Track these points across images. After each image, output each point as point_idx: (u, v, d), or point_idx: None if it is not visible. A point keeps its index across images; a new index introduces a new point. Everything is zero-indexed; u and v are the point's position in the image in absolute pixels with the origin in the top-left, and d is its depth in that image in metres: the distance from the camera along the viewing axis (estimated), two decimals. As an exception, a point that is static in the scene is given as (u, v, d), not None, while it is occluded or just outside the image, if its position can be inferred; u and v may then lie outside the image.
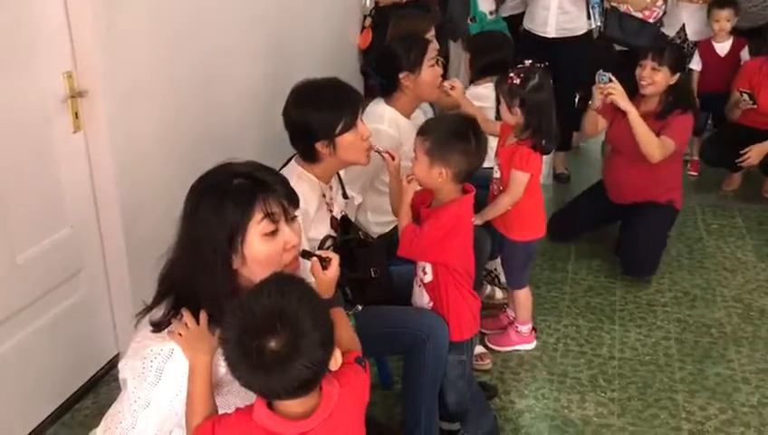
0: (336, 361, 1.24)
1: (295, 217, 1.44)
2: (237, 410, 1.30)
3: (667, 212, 3.37)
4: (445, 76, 2.84)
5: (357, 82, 4.25)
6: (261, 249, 1.36)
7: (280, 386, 1.17)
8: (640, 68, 3.12)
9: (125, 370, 1.39)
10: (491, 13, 4.35)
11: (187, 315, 1.34)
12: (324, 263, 1.50)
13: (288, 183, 1.45)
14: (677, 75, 3.12)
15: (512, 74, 2.44)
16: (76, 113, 2.27)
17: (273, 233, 1.37)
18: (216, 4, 2.83)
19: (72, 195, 2.33)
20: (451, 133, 2.01)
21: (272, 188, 1.38)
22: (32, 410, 2.30)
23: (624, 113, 3.07)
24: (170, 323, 1.35)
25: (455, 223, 2.01)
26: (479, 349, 2.67)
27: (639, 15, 4.29)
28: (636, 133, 3.03)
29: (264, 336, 1.14)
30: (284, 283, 1.23)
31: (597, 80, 3.03)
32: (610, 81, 2.99)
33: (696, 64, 4.35)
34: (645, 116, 3.07)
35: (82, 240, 2.40)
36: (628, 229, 3.40)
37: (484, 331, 2.74)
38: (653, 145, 3.03)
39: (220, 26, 2.88)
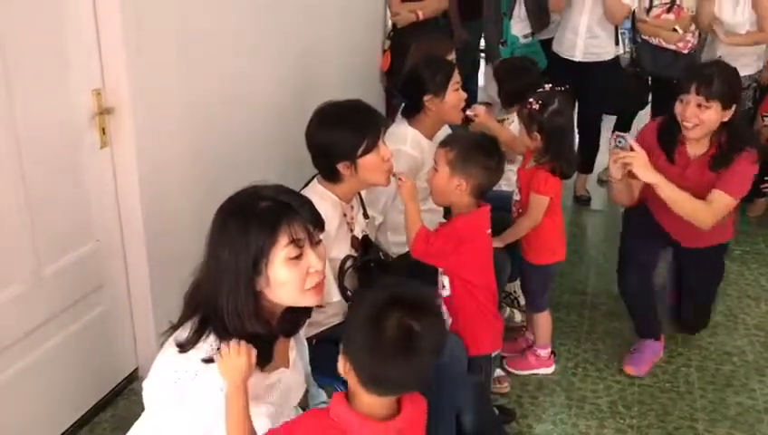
0: None
1: (320, 241, 1.45)
2: (304, 414, 1.33)
3: (721, 256, 2.90)
4: (473, 99, 2.84)
5: (379, 103, 4.28)
6: (285, 273, 1.38)
7: (413, 372, 1.18)
8: (681, 104, 2.42)
9: (149, 389, 1.40)
10: (525, 36, 4.37)
11: (234, 346, 1.34)
12: None
13: (314, 207, 1.46)
14: (732, 109, 2.40)
15: (531, 99, 2.45)
16: (103, 129, 2.31)
17: (298, 257, 1.39)
18: (242, 26, 2.87)
19: (98, 210, 2.37)
20: (475, 147, 2.06)
21: (297, 213, 1.39)
22: (51, 423, 2.31)
23: (657, 163, 2.45)
24: (196, 343, 1.36)
25: (467, 231, 2.04)
26: (497, 372, 2.66)
27: (673, 48, 4.26)
28: (673, 207, 2.38)
29: (410, 318, 1.17)
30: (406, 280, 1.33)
31: (613, 143, 2.40)
32: (631, 148, 2.35)
33: None
34: (695, 165, 2.46)
35: (107, 255, 2.43)
36: (689, 288, 2.92)
37: (502, 353, 2.72)
38: (700, 213, 2.38)
39: (246, 48, 2.92)
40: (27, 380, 2.17)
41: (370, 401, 1.23)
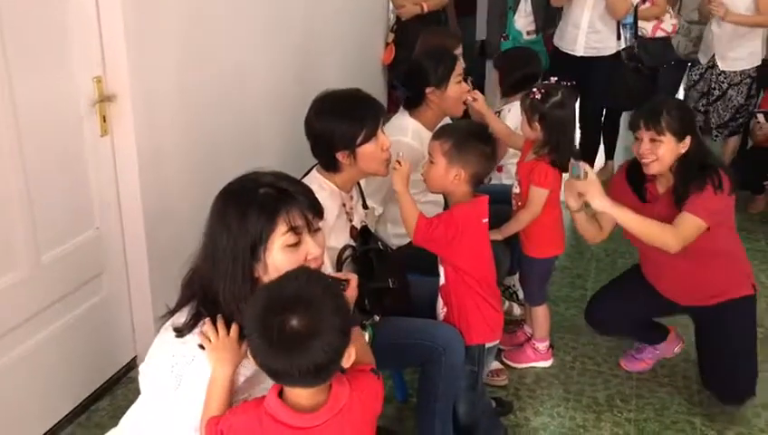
0: (349, 357, 1.25)
1: (319, 228, 1.46)
2: (246, 402, 1.33)
3: (748, 310, 2.50)
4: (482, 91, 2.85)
5: (381, 95, 4.28)
6: (283, 260, 1.38)
7: (296, 367, 1.19)
8: (637, 142, 2.33)
9: (145, 373, 1.41)
10: (528, 33, 4.36)
11: (220, 324, 1.36)
12: (343, 285, 1.50)
13: (313, 194, 1.46)
14: (688, 139, 2.28)
15: (534, 89, 2.46)
16: (104, 117, 2.32)
17: (296, 244, 1.39)
18: (244, 15, 2.87)
19: (98, 197, 2.37)
20: (470, 135, 2.07)
21: (296, 200, 1.40)
22: (48, 410, 2.32)
23: (629, 203, 2.35)
24: (193, 328, 1.37)
25: (464, 220, 2.03)
26: (495, 365, 2.66)
27: (662, 35, 4.31)
28: (638, 235, 2.28)
29: (286, 314, 1.18)
30: (313, 273, 1.31)
31: (569, 172, 2.30)
32: (586, 174, 2.24)
33: None
34: (663, 200, 2.36)
35: (106, 242, 2.44)
36: (707, 351, 2.57)
37: (500, 346, 2.72)
38: (666, 235, 2.24)
39: (248, 37, 2.92)
40: (25, 367, 2.17)
41: (294, 391, 1.25)
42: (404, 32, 4.25)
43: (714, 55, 4.26)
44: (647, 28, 4.37)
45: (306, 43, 3.42)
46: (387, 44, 4.44)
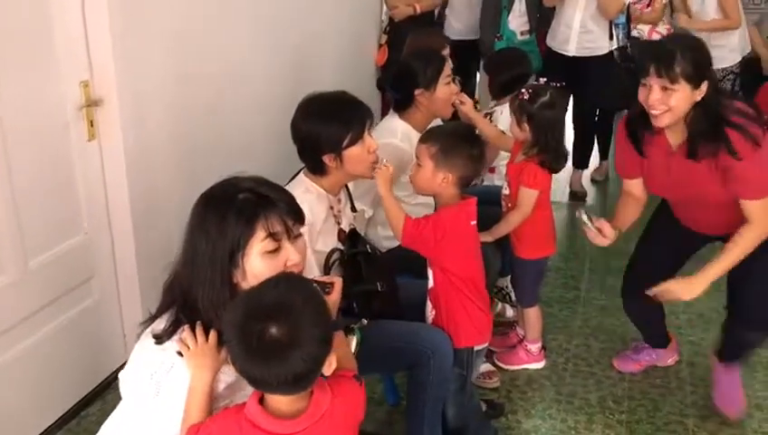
0: (330, 365, 1.24)
1: (299, 235, 1.44)
2: (226, 409, 1.32)
3: None
4: (470, 94, 2.85)
5: (374, 97, 4.27)
6: (261, 266, 1.36)
7: (274, 376, 1.18)
8: (644, 90, 2.03)
9: (125, 380, 1.40)
10: (522, 33, 4.35)
11: (198, 331, 1.35)
12: (327, 289, 1.49)
13: (294, 200, 1.44)
14: (704, 85, 1.99)
15: (523, 90, 2.45)
16: (91, 122, 2.31)
17: (275, 251, 1.38)
18: (235, 17, 2.86)
19: (86, 202, 2.36)
20: (457, 138, 2.06)
21: (276, 206, 1.38)
22: (38, 416, 2.31)
23: (639, 163, 2.24)
24: (172, 335, 1.36)
25: (452, 223, 2.03)
26: (487, 367, 2.66)
27: (658, 37, 4.34)
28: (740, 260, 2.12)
29: (266, 322, 1.17)
30: (294, 280, 1.29)
31: (577, 216, 2.36)
32: (590, 220, 2.29)
33: None
34: (679, 154, 2.11)
35: (95, 247, 2.43)
36: (742, 272, 2.23)
37: (492, 348, 2.71)
38: (756, 238, 2.09)
39: (238, 40, 2.91)
40: (14, 372, 2.17)
41: (274, 398, 1.24)
42: (397, 33, 4.25)
43: None
44: (644, 30, 4.41)
45: (299, 47, 3.41)
46: (380, 46, 4.44)
